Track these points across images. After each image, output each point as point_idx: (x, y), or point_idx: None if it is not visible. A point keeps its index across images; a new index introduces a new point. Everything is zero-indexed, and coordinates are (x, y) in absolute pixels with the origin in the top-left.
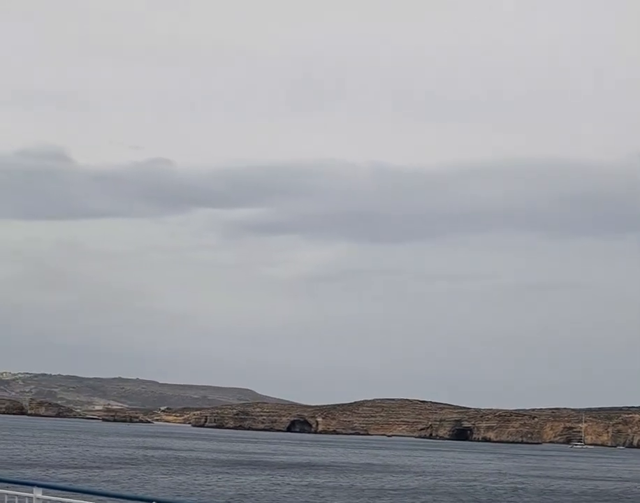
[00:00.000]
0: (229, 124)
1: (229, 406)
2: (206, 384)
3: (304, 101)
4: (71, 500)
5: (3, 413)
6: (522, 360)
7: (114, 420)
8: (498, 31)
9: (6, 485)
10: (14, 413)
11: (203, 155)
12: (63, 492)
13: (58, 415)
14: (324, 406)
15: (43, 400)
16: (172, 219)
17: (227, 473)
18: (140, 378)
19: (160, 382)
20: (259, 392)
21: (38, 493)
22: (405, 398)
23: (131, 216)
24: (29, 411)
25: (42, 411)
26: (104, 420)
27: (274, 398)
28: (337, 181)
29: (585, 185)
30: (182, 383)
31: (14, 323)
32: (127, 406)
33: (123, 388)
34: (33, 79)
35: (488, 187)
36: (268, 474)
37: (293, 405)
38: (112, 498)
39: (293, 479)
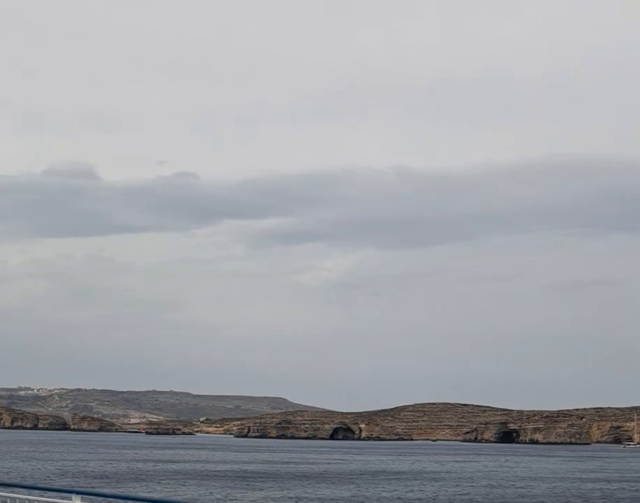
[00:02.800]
0: (253, 136)
1: (270, 416)
2: (238, 394)
3: (328, 110)
4: None
5: (47, 428)
6: (563, 360)
7: (157, 433)
8: (521, 33)
9: (45, 493)
10: (57, 429)
11: (228, 167)
12: (102, 498)
13: (100, 429)
14: (365, 412)
15: (86, 415)
16: (199, 231)
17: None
18: (174, 390)
19: (194, 393)
20: (292, 401)
21: (77, 501)
22: (446, 402)
23: (158, 230)
24: (72, 426)
25: (84, 425)
26: (147, 433)
27: (307, 406)
28: (362, 187)
29: (621, 182)
30: (215, 394)
31: (48, 339)
32: (162, 418)
33: (157, 400)
34: (59, 98)
35: (518, 187)
36: (372, 485)
37: (332, 412)
38: None
39: (409, 491)
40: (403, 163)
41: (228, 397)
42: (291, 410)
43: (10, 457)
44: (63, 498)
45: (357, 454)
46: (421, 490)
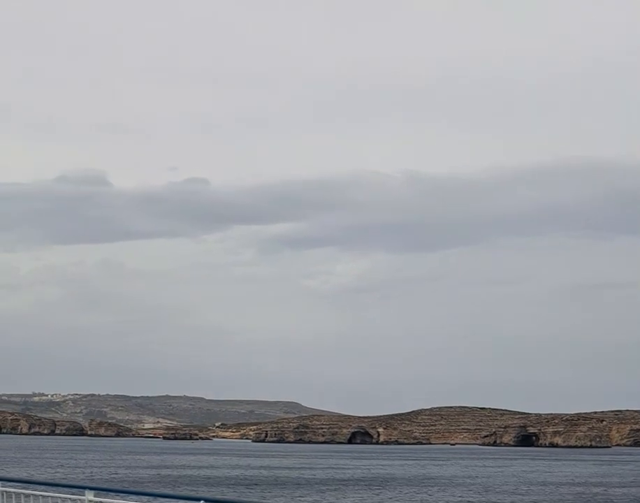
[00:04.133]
0: (263, 141)
1: (286, 420)
2: (251, 398)
3: (337, 115)
4: (122, 502)
5: (64, 434)
6: (577, 363)
7: (175, 438)
8: (527, 36)
9: (58, 488)
10: (74, 435)
11: (238, 173)
12: (114, 493)
13: (117, 435)
14: (381, 416)
15: (102, 421)
16: (209, 236)
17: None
18: (187, 395)
19: (207, 398)
20: (305, 405)
21: (89, 496)
22: (464, 405)
23: (169, 236)
24: (89, 432)
25: (101, 431)
26: (165, 438)
27: (321, 410)
28: (372, 192)
29: (630, 184)
30: (228, 399)
31: (61, 345)
32: (176, 423)
33: (171, 405)
34: (70, 105)
35: (526, 190)
36: (421, 491)
37: (349, 417)
38: (161, 498)
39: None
40: (412, 167)
41: (241, 401)
42: (304, 414)
43: (49, 464)
44: (75, 493)
45: (385, 459)
46: (475, 497)
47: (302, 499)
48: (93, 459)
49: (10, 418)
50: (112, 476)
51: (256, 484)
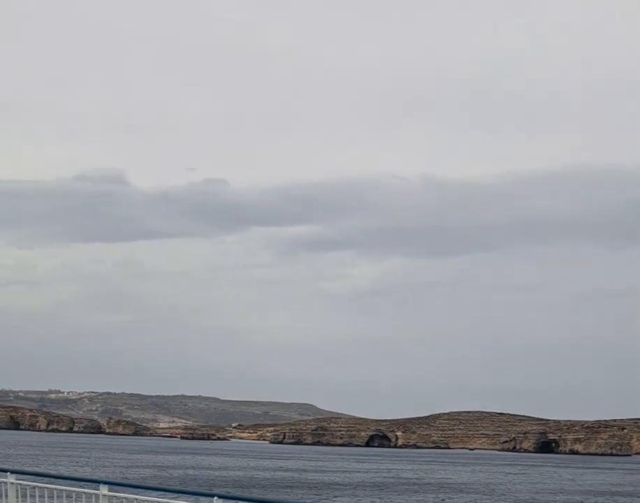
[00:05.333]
0: (282, 143)
1: (304, 422)
2: (266, 400)
3: (357, 119)
4: (136, 497)
5: (82, 432)
6: (596, 370)
7: (193, 438)
8: (547, 43)
9: (74, 482)
10: (92, 432)
11: (257, 174)
12: (128, 488)
13: (135, 433)
14: (400, 419)
15: (120, 419)
16: (228, 237)
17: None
18: (202, 395)
19: (222, 398)
20: (320, 407)
21: (104, 490)
22: (482, 410)
23: (187, 236)
24: (107, 430)
25: (119, 429)
26: (182, 437)
27: (336, 412)
28: (390, 196)
29: None
30: (243, 399)
31: (78, 343)
32: (191, 422)
33: (186, 404)
34: (90, 104)
35: (543, 197)
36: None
37: (367, 420)
38: (175, 494)
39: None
40: (430, 171)
41: (256, 402)
42: (319, 416)
43: (74, 462)
44: (90, 487)
45: (409, 463)
46: None
47: (336, 499)
48: (116, 458)
49: (29, 414)
50: (138, 476)
51: (290, 487)
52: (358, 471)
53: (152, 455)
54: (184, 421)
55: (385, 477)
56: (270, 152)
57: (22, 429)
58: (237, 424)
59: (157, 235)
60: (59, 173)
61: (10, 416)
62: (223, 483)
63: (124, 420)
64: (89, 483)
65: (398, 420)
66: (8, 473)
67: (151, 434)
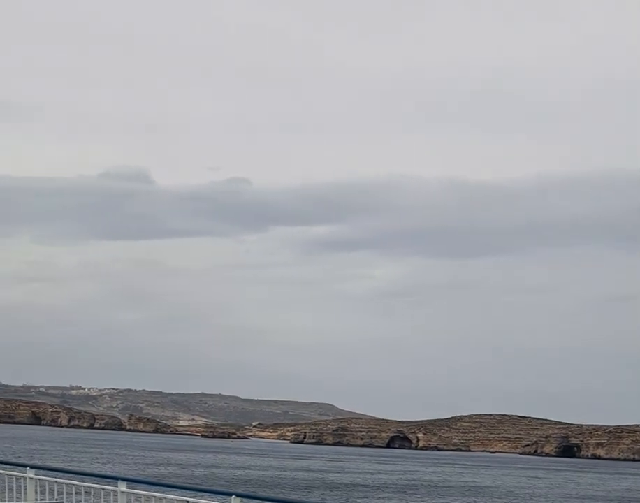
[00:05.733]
0: (304, 143)
1: (324, 422)
2: (286, 399)
3: (379, 119)
4: (154, 494)
5: (103, 428)
6: (617, 373)
7: (214, 436)
8: (576, 44)
9: (93, 479)
10: (113, 429)
11: (279, 174)
12: (147, 485)
13: (155, 431)
14: (420, 421)
15: (141, 416)
16: (249, 237)
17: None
18: (222, 393)
19: (242, 397)
20: (340, 407)
21: (122, 487)
22: (504, 413)
23: (209, 235)
24: (128, 427)
25: (140, 426)
26: (203, 436)
27: (356, 413)
28: (412, 197)
29: None
30: (263, 398)
31: (99, 340)
32: (211, 421)
33: (206, 403)
34: (115, 102)
35: (565, 200)
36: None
37: (387, 421)
38: (192, 491)
39: None
40: (453, 173)
41: (275, 401)
42: (339, 417)
43: (99, 459)
44: (109, 484)
45: (433, 465)
46: None
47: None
48: (137, 455)
49: (51, 410)
50: (159, 473)
51: (312, 487)
52: (382, 473)
53: (173, 453)
54: (203, 419)
55: (409, 479)
56: (292, 152)
57: (43, 425)
58: (257, 423)
59: (179, 234)
60: (83, 171)
61: (32, 412)
62: (244, 482)
63: (145, 418)
64: (107, 480)
65: (419, 421)
66: (28, 468)
67: (171, 432)
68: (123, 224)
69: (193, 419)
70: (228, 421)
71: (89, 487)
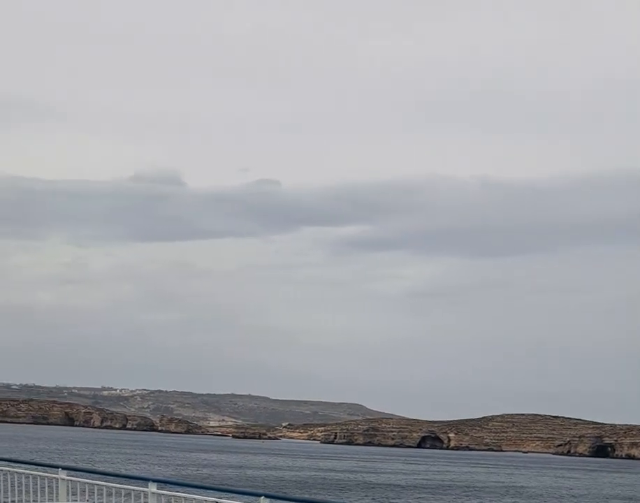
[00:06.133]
0: (335, 144)
1: (354, 422)
2: (315, 399)
3: (411, 119)
4: (185, 495)
5: (135, 429)
6: None
7: (244, 437)
8: (602, 44)
9: (123, 480)
10: (145, 430)
11: (309, 175)
12: (177, 486)
13: (187, 431)
14: (451, 421)
15: (173, 417)
16: (279, 237)
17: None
18: (252, 394)
19: (271, 398)
20: (370, 408)
21: (153, 488)
22: (536, 413)
23: (240, 236)
24: (160, 428)
25: (172, 427)
26: (234, 436)
27: (385, 413)
28: (444, 197)
29: None
30: (292, 399)
31: (130, 341)
32: (241, 421)
33: (236, 403)
34: (146, 104)
35: (603, 198)
36: None
37: (418, 421)
38: (223, 493)
39: None
40: (486, 172)
41: (305, 402)
42: (369, 417)
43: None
44: (139, 485)
45: (469, 465)
46: None
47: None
48: (170, 456)
49: (84, 411)
50: (191, 474)
51: (345, 488)
52: (418, 473)
53: (207, 454)
54: (233, 420)
55: (450, 479)
56: (322, 153)
57: (76, 426)
58: (287, 423)
59: (210, 235)
60: (116, 174)
61: (65, 413)
62: (277, 482)
63: (177, 418)
64: (138, 481)
65: (450, 421)
66: (60, 469)
67: (202, 433)
68: (155, 226)
69: (223, 420)
70: (258, 422)
71: (119, 488)
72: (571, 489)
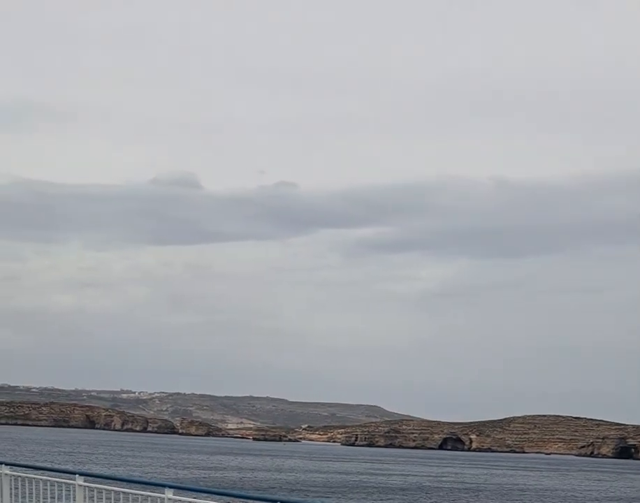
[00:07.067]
0: (351, 146)
1: (375, 424)
2: (333, 401)
3: (424, 120)
4: (201, 501)
5: (155, 432)
6: None
7: (265, 439)
8: (624, 42)
9: (139, 485)
10: (165, 433)
11: (326, 177)
12: (194, 492)
13: (207, 434)
14: (473, 423)
15: (193, 420)
16: (296, 240)
17: None
18: (270, 396)
19: (289, 400)
20: (387, 409)
21: (169, 494)
22: (557, 414)
23: (256, 239)
24: (180, 431)
25: (192, 430)
26: (255, 439)
27: (403, 414)
28: (459, 197)
29: None
30: (310, 401)
31: (148, 344)
32: (259, 424)
33: (254, 406)
34: (164, 108)
35: (617, 198)
36: None
37: (439, 422)
38: (239, 499)
39: None
40: (500, 173)
41: (323, 404)
42: (387, 418)
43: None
44: (155, 491)
45: (495, 467)
46: None
47: None
48: (194, 459)
49: (104, 414)
50: (222, 477)
51: (382, 490)
52: (447, 475)
53: (231, 456)
54: (252, 422)
55: (485, 482)
56: (339, 155)
57: (97, 429)
58: (306, 425)
59: (227, 238)
60: (133, 177)
61: (87, 416)
62: (311, 486)
63: (197, 421)
64: (154, 487)
65: (471, 423)
66: (77, 475)
67: (223, 435)
68: (172, 229)
69: (241, 422)
70: (276, 424)
71: (136, 494)
72: (607, 490)
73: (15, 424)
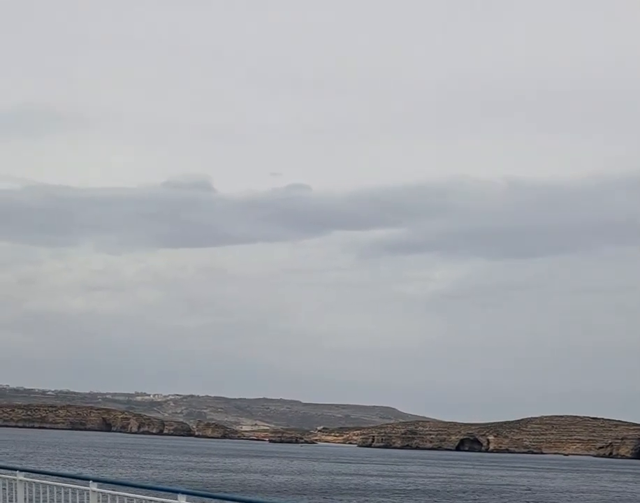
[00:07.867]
0: (364, 148)
1: (391, 426)
2: (346, 403)
3: (438, 121)
4: None
5: (172, 434)
6: None
7: (281, 441)
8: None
9: (152, 491)
10: (182, 435)
11: (339, 179)
12: (207, 499)
13: (223, 436)
14: (490, 424)
15: (209, 422)
16: (309, 241)
17: None
18: (284, 398)
19: (303, 402)
20: (401, 411)
21: (182, 500)
22: (575, 415)
23: (270, 241)
24: (197, 433)
25: (208, 432)
26: (271, 441)
27: (418, 416)
28: (472, 198)
29: None
30: (324, 403)
31: (162, 346)
32: (273, 426)
33: (268, 408)
34: (178, 111)
35: (630, 198)
36: None
37: (456, 423)
38: None
39: None
40: (514, 173)
41: (337, 405)
42: (401, 420)
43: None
44: (168, 497)
45: (519, 469)
46: None
47: None
48: (211, 462)
49: (121, 416)
50: (247, 480)
51: (411, 492)
52: (470, 477)
53: (252, 459)
54: (266, 424)
55: (505, 483)
56: (351, 157)
57: (113, 431)
58: (322, 427)
59: (240, 240)
60: (146, 180)
61: (103, 418)
62: (343, 488)
63: (213, 423)
64: (167, 492)
65: (488, 424)
66: (90, 481)
67: (238, 438)
68: (185, 232)
69: (255, 424)
70: (290, 426)
71: (149, 500)
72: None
73: (32, 427)
